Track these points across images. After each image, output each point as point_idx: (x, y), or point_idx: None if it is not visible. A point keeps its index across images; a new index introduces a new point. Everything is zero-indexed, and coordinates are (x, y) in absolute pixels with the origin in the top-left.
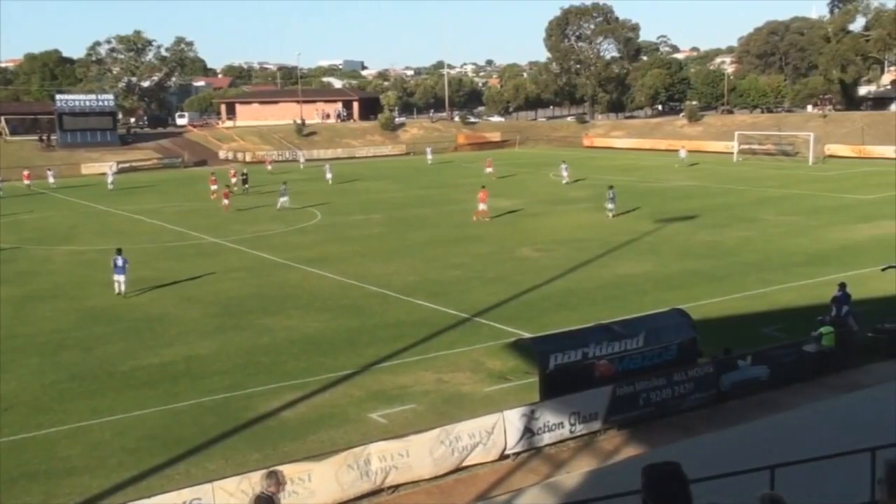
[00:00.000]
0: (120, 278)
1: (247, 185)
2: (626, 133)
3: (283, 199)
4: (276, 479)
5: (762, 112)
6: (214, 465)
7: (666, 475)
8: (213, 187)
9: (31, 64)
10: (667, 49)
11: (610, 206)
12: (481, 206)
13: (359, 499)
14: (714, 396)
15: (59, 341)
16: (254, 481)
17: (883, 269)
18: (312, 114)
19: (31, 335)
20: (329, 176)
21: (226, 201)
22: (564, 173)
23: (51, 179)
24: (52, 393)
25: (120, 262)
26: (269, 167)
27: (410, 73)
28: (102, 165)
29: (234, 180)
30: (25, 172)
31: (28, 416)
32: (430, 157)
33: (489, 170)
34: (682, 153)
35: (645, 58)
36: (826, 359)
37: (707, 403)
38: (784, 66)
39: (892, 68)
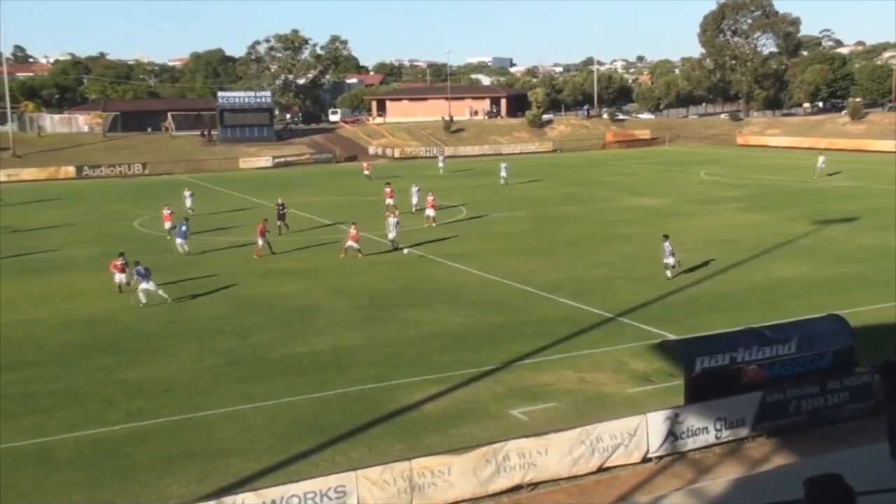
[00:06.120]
0: (179, 241)
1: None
2: (783, 131)
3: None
4: None
5: None
6: (358, 454)
7: (833, 489)
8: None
9: (196, 62)
10: (830, 44)
11: (669, 260)
12: (349, 244)
13: (497, 494)
14: (873, 407)
15: (216, 328)
16: (396, 472)
17: None
18: (461, 110)
19: (190, 321)
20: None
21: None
22: (503, 173)
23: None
24: (208, 377)
25: (184, 227)
26: (368, 172)
27: (559, 69)
28: (259, 160)
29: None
30: (166, 212)
31: (187, 398)
32: (441, 163)
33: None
34: (821, 161)
35: (805, 53)
36: None
37: (865, 415)
38: None
39: None
